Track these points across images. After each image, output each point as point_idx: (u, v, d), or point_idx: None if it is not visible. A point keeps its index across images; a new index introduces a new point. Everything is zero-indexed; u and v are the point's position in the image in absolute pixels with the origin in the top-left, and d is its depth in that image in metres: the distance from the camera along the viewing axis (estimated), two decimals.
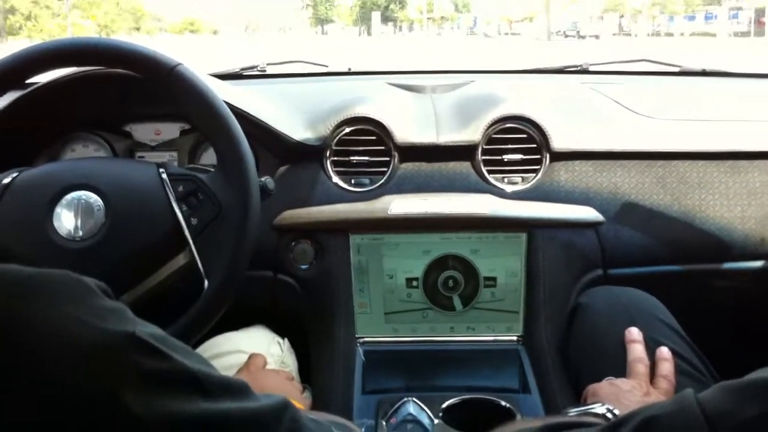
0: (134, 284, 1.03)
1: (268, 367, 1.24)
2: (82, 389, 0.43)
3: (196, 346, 1.28)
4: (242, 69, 1.80)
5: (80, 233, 1.00)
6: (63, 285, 0.47)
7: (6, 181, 1.05)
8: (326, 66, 1.94)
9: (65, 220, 1.01)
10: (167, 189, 1.05)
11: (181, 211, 1.04)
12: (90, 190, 1.03)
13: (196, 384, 0.49)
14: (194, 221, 1.04)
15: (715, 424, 0.49)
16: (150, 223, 1.03)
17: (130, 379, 0.44)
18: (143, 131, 1.46)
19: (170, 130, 1.47)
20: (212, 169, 1.10)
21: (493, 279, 1.41)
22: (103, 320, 0.46)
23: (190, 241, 1.03)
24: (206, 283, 1.03)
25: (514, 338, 1.42)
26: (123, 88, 1.29)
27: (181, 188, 1.05)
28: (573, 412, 0.93)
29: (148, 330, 0.48)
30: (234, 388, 0.53)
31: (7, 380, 0.41)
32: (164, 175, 1.06)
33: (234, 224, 1.03)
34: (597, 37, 23.84)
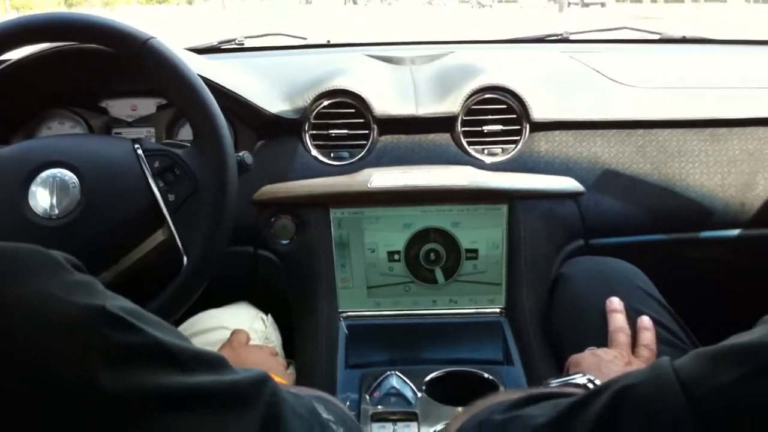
0: (113, 262, 1.02)
1: (252, 342, 1.24)
2: (52, 365, 0.42)
3: (179, 323, 1.28)
4: (219, 42, 1.78)
5: (56, 211, 0.99)
6: (30, 259, 0.46)
7: None
8: (305, 39, 1.92)
9: (41, 199, 1.00)
10: (143, 165, 1.03)
11: (158, 187, 1.02)
12: (64, 168, 1.01)
13: (169, 357, 0.48)
14: (171, 197, 1.03)
15: (691, 390, 0.49)
16: (126, 199, 1.02)
17: (100, 354, 0.43)
18: (119, 107, 1.45)
19: (147, 106, 1.45)
20: (188, 145, 1.09)
21: (475, 251, 1.41)
22: (72, 294, 0.45)
23: (168, 218, 1.02)
24: (185, 259, 1.02)
25: (497, 310, 1.42)
26: (98, 63, 1.27)
27: (157, 164, 1.04)
28: (554, 382, 0.94)
29: (118, 303, 0.47)
30: (210, 361, 0.53)
31: None
32: (140, 151, 1.05)
33: (211, 199, 1.02)
34: (603, 4, 23.22)
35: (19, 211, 0.99)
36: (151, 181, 1.02)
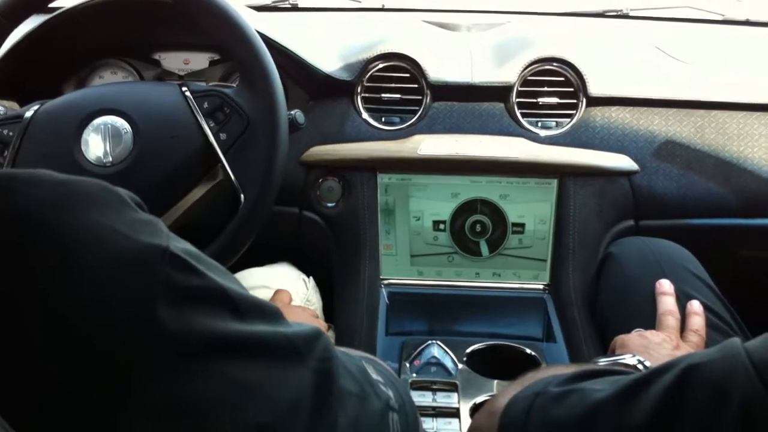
0: (168, 207, 1.01)
1: (293, 303, 1.23)
2: (116, 298, 0.41)
3: None
4: (274, 1, 1.76)
5: (110, 158, 0.99)
6: (96, 194, 0.46)
7: (28, 114, 1.03)
8: (359, 1, 1.89)
9: (93, 147, 0.99)
10: (192, 106, 1.02)
11: (209, 128, 1.01)
12: (115, 114, 1.01)
13: (229, 303, 0.48)
14: (223, 136, 1.02)
15: (764, 372, 0.47)
16: (178, 143, 1.01)
17: (163, 293, 0.43)
18: (172, 60, 1.44)
19: (199, 61, 1.44)
20: (234, 85, 1.07)
21: (522, 225, 1.39)
22: (135, 232, 0.44)
23: (222, 157, 1.01)
24: (242, 197, 1.01)
25: (541, 286, 1.40)
26: (152, 14, 1.26)
27: (206, 104, 1.03)
28: (603, 361, 0.92)
29: (181, 245, 0.47)
30: (267, 311, 0.52)
31: (41, 286, 0.40)
32: (188, 93, 1.04)
33: (264, 134, 1.01)
34: None
35: (73, 159, 0.99)
36: (202, 121, 1.01)
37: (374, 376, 0.69)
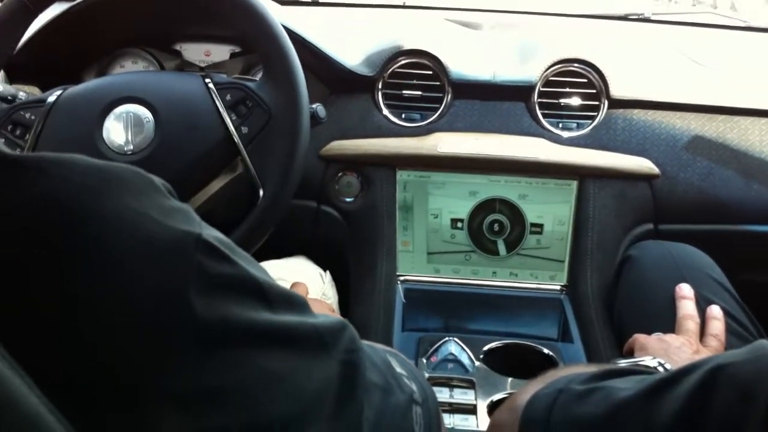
0: (187, 198, 1.01)
1: (309, 297, 1.23)
2: (150, 284, 0.41)
3: None
4: None
5: (131, 147, 0.99)
6: (131, 180, 0.45)
7: (51, 99, 1.03)
8: None
9: (115, 134, 0.99)
10: (215, 98, 1.02)
11: (231, 120, 1.01)
12: (138, 103, 1.01)
13: (259, 293, 0.47)
14: (245, 129, 1.02)
15: None
16: (200, 134, 1.01)
17: (195, 280, 0.42)
18: (193, 51, 1.44)
19: (220, 53, 1.44)
20: (257, 79, 1.07)
21: (540, 226, 1.38)
22: (168, 218, 0.44)
23: (242, 150, 1.01)
24: (261, 191, 1.01)
25: (558, 287, 1.39)
26: (175, 4, 1.26)
27: (228, 97, 1.03)
28: (623, 362, 0.91)
29: (213, 233, 0.46)
30: (296, 302, 0.52)
31: (76, 269, 0.39)
32: (210, 85, 1.03)
33: (286, 128, 1.01)
34: None
35: (94, 147, 0.99)
36: (224, 114, 1.01)
37: (398, 369, 0.69)
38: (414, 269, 1.41)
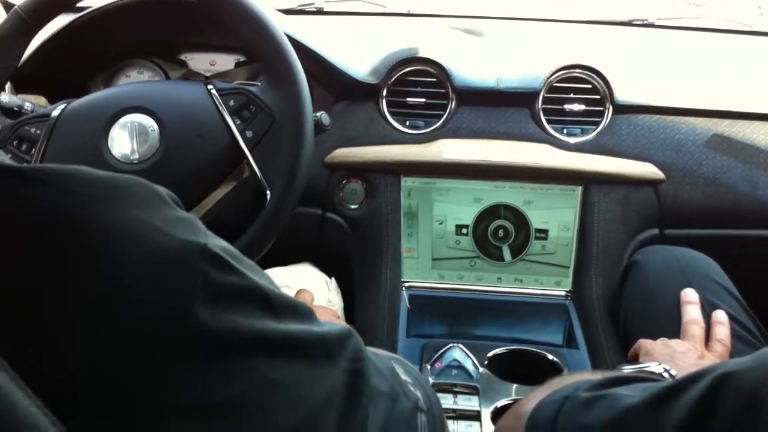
0: (194, 204, 1.02)
1: (315, 304, 1.23)
2: (156, 295, 0.41)
3: None
4: (300, 5, 1.77)
5: (137, 156, 1.00)
6: (136, 191, 0.45)
7: (55, 113, 1.04)
8: (384, 6, 1.89)
9: (120, 144, 1.00)
10: (218, 104, 1.03)
11: (235, 125, 1.02)
12: (142, 112, 1.02)
13: (265, 302, 0.48)
14: (249, 134, 1.02)
15: None
16: (205, 140, 1.02)
17: (201, 290, 0.43)
18: (198, 61, 1.45)
19: (225, 62, 1.45)
20: (259, 83, 1.08)
21: (545, 231, 1.38)
22: (173, 229, 0.44)
23: (248, 154, 1.01)
24: (268, 194, 1.01)
25: (563, 293, 1.39)
26: (179, 14, 1.27)
27: (232, 102, 1.04)
28: (628, 368, 0.91)
29: (218, 243, 0.46)
30: (301, 310, 0.52)
31: (82, 280, 0.40)
32: (213, 91, 1.04)
33: (290, 131, 1.01)
34: None
35: (100, 157, 1.00)
36: (228, 119, 1.02)
37: (403, 376, 0.69)
38: (418, 275, 1.41)
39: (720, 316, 1.10)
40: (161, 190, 0.48)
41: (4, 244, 0.39)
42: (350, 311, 1.39)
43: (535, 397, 0.71)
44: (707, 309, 1.12)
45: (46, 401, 0.35)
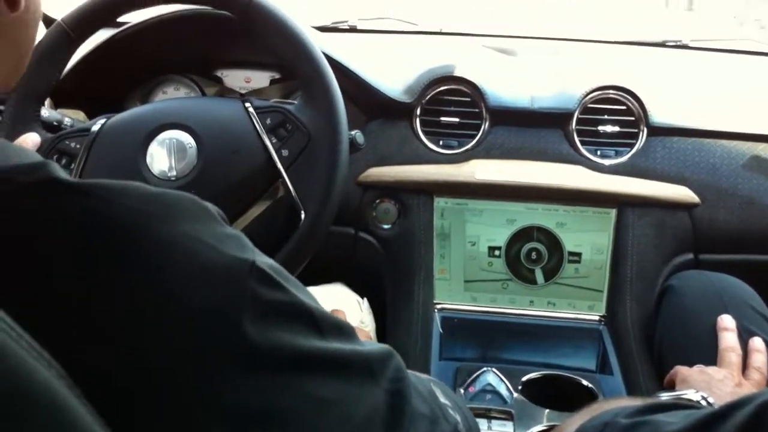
0: (230, 222, 1.02)
1: None
2: (205, 309, 0.42)
3: None
4: (333, 23, 1.77)
5: (174, 172, 1.00)
6: (186, 207, 0.46)
7: (95, 128, 1.05)
8: (416, 25, 1.90)
9: (158, 160, 1.01)
10: (255, 122, 1.03)
11: (271, 144, 1.02)
12: (180, 129, 1.03)
13: (311, 320, 0.48)
14: (285, 152, 1.03)
15: None
16: (241, 158, 1.02)
17: (249, 306, 0.43)
18: (234, 78, 1.45)
19: (260, 79, 1.45)
20: (295, 102, 1.08)
21: (578, 255, 1.37)
22: (223, 245, 0.45)
23: (284, 173, 1.01)
24: (302, 214, 1.02)
25: (596, 318, 1.38)
26: (216, 31, 1.28)
27: (268, 120, 1.04)
28: (665, 396, 0.90)
29: (266, 260, 0.47)
30: (345, 329, 0.53)
31: (134, 294, 0.40)
32: (251, 109, 1.05)
33: (326, 150, 1.02)
34: None
35: (138, 173, 1.00)
36: (264, 137, 1.02)
37: (442, 399, 0.69)
38: (451, 297, 1.40)
39: (757, 343, 1.09)
40: (210, 206, 0.49)
41: (59, 252, 0.40)
42: (382, 332, 1.39)
43: (575, 422, 0.71)
44: (744, 336, 1.11)
45: (95, 406, 0.36)
